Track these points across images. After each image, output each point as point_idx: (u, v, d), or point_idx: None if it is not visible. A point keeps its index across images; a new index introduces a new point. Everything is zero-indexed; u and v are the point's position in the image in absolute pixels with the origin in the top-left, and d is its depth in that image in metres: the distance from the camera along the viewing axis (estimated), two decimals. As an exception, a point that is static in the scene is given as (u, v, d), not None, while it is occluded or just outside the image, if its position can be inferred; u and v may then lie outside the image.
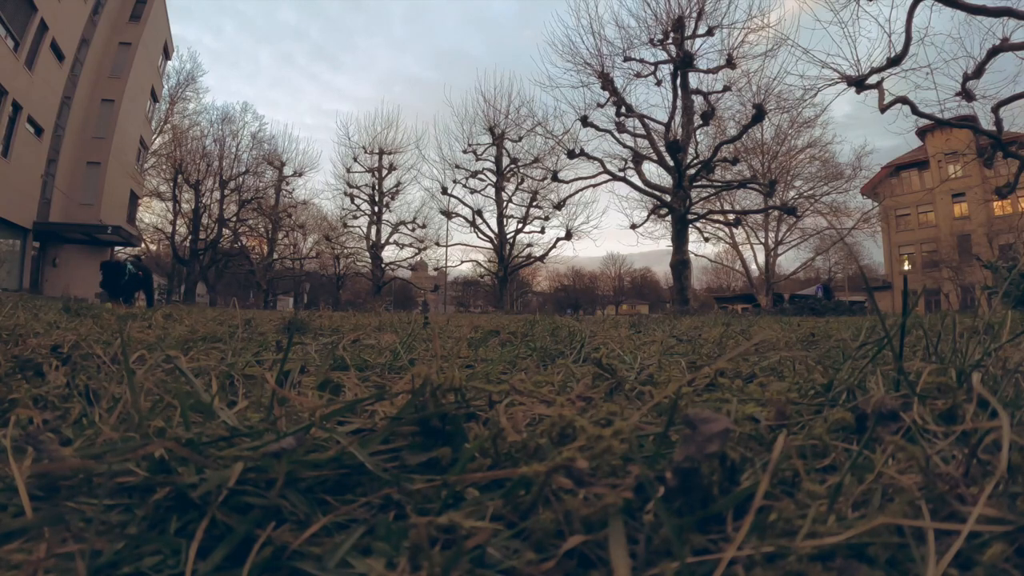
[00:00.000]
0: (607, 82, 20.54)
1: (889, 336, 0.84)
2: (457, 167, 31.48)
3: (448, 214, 31.34)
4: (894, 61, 14.12)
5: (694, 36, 19.54)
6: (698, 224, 25.74)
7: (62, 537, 0.39)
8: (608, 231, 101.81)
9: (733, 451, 0.45)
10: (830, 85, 15.77)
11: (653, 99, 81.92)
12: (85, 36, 22.66)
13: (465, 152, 31.14)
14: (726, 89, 19.88)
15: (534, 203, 30.68)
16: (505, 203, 30.86)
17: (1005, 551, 0.35)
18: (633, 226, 24.65)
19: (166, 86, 31.34)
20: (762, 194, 21.39)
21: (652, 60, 20.58)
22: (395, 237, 33.46)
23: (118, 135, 24.30)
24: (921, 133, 29.10)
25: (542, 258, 31.11)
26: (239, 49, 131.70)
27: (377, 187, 33.27)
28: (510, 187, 30.92)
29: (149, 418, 0.61)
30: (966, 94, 14.36)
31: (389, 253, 35.08)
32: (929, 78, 14.44)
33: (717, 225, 28.47)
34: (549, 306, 41.12)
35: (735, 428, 0.49)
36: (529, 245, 31.16)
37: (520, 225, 30.84)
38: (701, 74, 19.99)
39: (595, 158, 22.02)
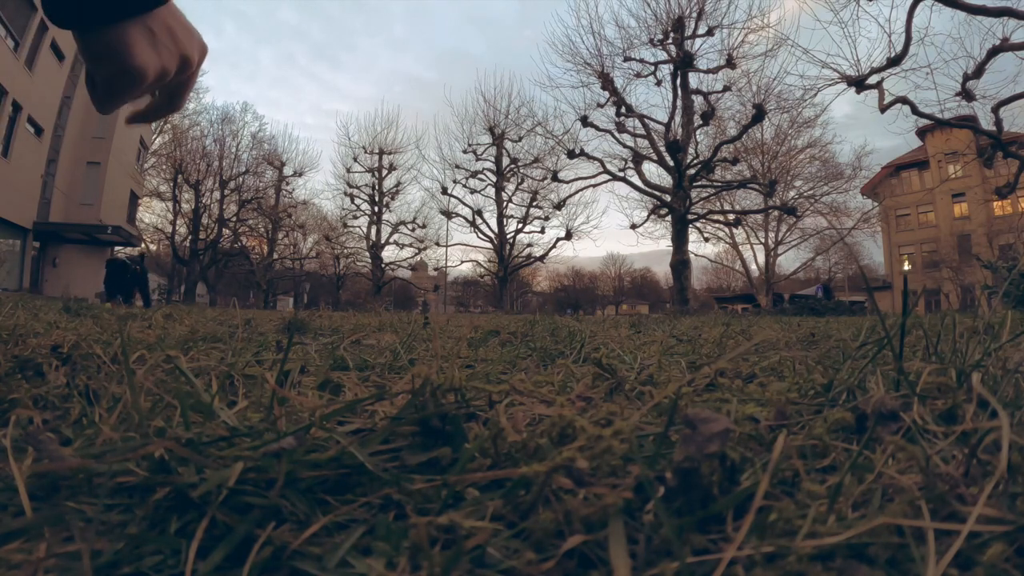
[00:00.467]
0: (607, 82, 20.53)
1: (889, 336, 0.84)
2: (457, 167, 31.48)
3: (448, 214, 31.33)
4: (894, 61, 14.12)
5: (694, 36, 19.53)
6: (698, 224, 25.72)
7: (62, 537, 0.39)
8: (608, 231, 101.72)
9: (733, 451, 0.45)
10: (830, 85, 15.78)
11: (653, 99, 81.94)
12: (85, 36, 22.60)
13: (465, 152, 31.14)
14: (726, 89, 19.87)
15: (534, 203, 30.67)
16: (505, 203, 30.84)
17: (1005, 551, 0.35)
18: (633, 226, 24.65)
19: (166, 86, 31.25)
20: (762, 194, 21.37)
21: (652, 60, 20.59)
22: (395, 237, 33.45)
23: (118, 135, 24.28)
24: (921, 133, 29.09)
25: (542, 258, 31.10)
26: (239, 49, 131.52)
27: (377, 187, 33.25)
28: (510, 187, 30.91)
29: (149, 418, 0.61)
30: (966, 94, 14.36)
31: (389, 253, 35.11)
32: (929, 78, 14.46)
33: (717, 225, 28.46)
34: (549, 306, 41.13)
35: (735, 428, 0.49)
36: (529, 245, 31.15)
37: (520, 225, 30.82)
38: (701, 74, 19.99)
39: (595, 158, 22.01)
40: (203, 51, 0.69)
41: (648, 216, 23.98)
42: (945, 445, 0.55)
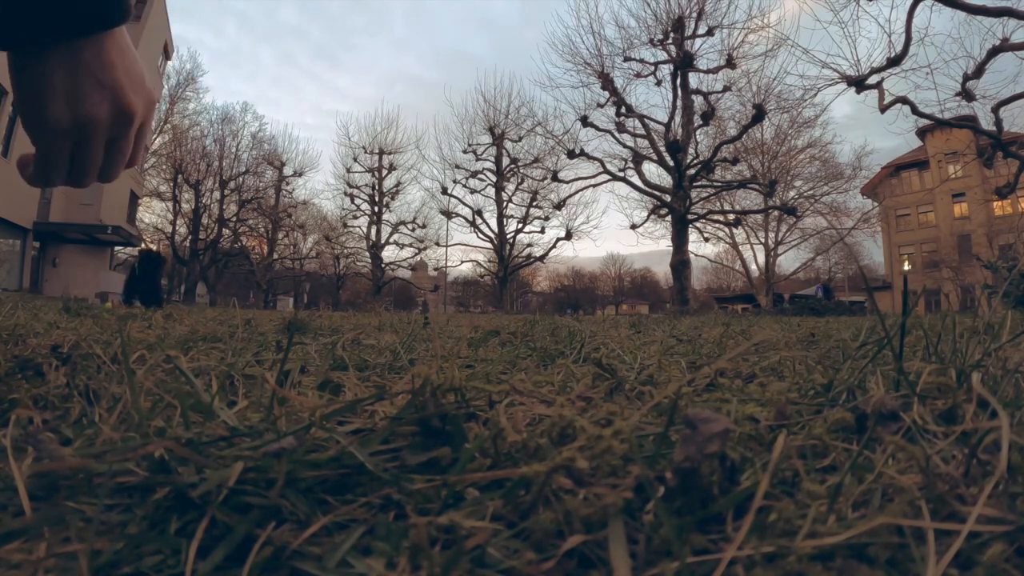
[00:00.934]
0: (607, 82, 20.54)
1: (889, 336, 0.84)
2: (457, 167, 31.50)
3: (448, 214, 31.34)
4: (894, 61, 14.13)
5: (694, 36, 19.54)
6: (698, 224, 25.73)
7: (62, 537, 0.39)
8: (608, 231, 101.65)
9: (733, 451, 0.45)
10: (830, 85, 15.80)
11: (653, 99, 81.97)
12: (85, 36, 22.62)
13: (465, 152, 31.17)
14: (726, 89, 19.88)
15: (534, 203, 30.69)
16: (505, 203, 30.85)
17: (1005, 551, 0.35)
18: (633, 226, 24.66)
19: (166, 86, 31.25)
20: (762, 194, 21.38)
21: (652, 60, 20.62)
22: (395, 237, 33.48)
23: (118, 135, 24.22)
24: (921, 133, 29.11)
25: (542, 258, 31.12)
26: (240, 49, 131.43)
27: (377, 187, 33.27)
28: (510, 187, 30.93)
29: (149, 418, 0.61)
30: (966, 94, 14.36)
31: (389, 253, 35.16)
32: (929, 78, 14.47)
33: (717, 225, 28.47)
34: (549, 306, 41.15)
35: (735, 428, 0.49)
36: (529, 245, 31.17)
37: (520, 225, 30.84)
38: (701, 74, 20.00)
39: (595, 158, 22.01)
40: (149, 104, 0.58)
41: (648, 216, 23.99)
42: (945, 445, 0.55)
